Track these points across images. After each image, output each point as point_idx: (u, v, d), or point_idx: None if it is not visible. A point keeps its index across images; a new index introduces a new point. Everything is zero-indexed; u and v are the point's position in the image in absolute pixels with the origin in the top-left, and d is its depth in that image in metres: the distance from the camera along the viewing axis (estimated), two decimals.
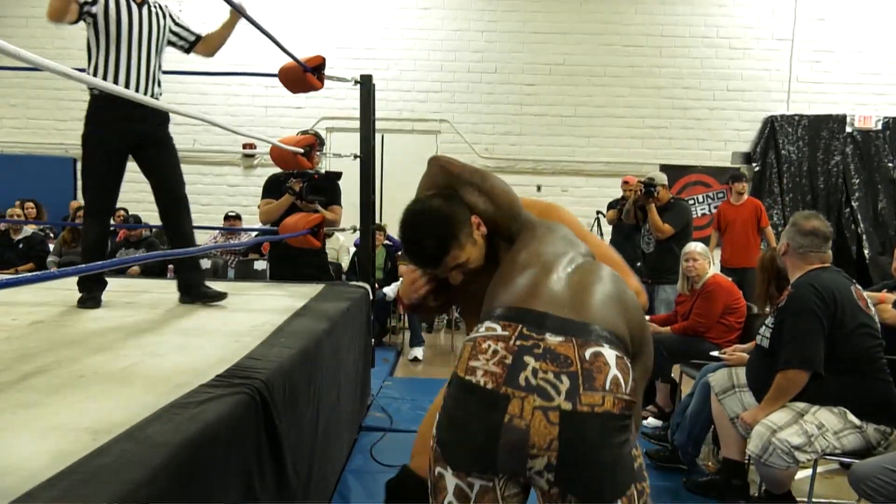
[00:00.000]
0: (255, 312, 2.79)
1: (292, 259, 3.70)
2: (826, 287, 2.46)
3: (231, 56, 8.72)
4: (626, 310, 1.34)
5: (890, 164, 8.90)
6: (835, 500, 2.91)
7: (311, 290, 3.32)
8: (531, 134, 8.98)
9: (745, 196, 6.85)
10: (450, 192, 1.58)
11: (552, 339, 1.20)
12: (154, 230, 6.84)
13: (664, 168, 9.03)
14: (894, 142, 8.92)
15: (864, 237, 8.76)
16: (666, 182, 5.14)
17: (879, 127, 8.91)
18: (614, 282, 1.39)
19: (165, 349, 2.10)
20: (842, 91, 8.97)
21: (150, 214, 8.39)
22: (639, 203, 5.09)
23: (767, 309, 3.20)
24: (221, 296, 2.91)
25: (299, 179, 3.61)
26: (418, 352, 5.38)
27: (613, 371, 1.19)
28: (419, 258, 1.57)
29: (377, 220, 8.20)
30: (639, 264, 5.09)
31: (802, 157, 8.94)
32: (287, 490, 1.89)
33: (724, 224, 6.78)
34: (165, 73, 3.00)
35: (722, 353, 3.16)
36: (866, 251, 8.71)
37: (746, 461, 2.86)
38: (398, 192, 8.90)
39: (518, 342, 1.22)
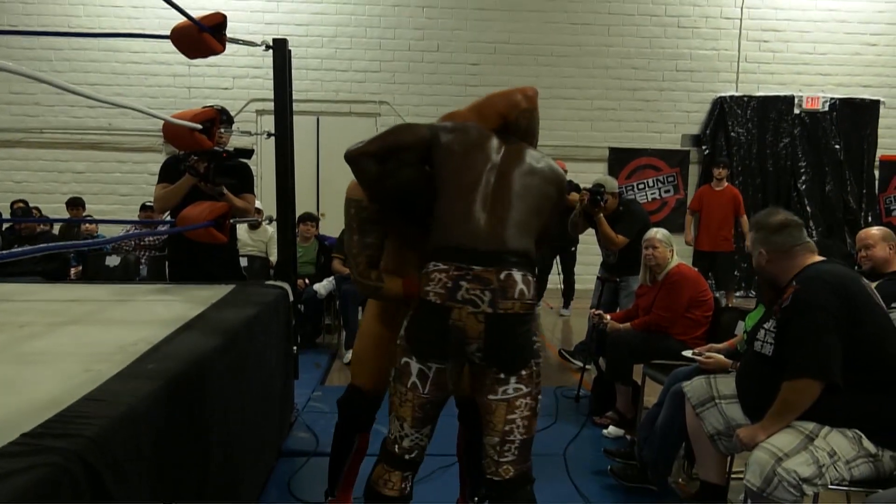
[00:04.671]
0: (133, 326, 2.24)
1: (192, 255, 3.13)
2: (837, 279, 2.05)
3: (131, 19, 8.02)
4: (539, 208, 1.88)
5: (837, 146, 8.78)
6: None
7: (215, 293, 2.77)
8: None
9: (725, 182, 6.89)
10: (397, 159, 1.91)
11: (477, 268, 1.72)
12: (55, 224, 6.08)
13: (613, 151, 8.74)
14: (841, 123, 8.79)
15: (811, 220, 8.66)
16: (616, 188, 4.31)
17: (826, 108, 8.78)
18: (522, 196, 1.83)
19: None
20: (789, 71, 8.78)
21: (56, 207, 7.63)
22: (586, 213, 4.21)
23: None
24: None
25: (203, 158, 3.04)
26: None
27: (520, 286, 1.73)
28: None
29: (316, 210, 7.63)
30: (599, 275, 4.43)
31: (751, 139, 8.75)
32: None
33: (702, 207, 6.87)
34: (33, 34, 2.41)
35: (696, 354, 2.77)
36: (813, 234, 8.59)
37: (726, 483, 2.47)
38: (337, 178, 8.30)
39: (454, 273, 1.73)
